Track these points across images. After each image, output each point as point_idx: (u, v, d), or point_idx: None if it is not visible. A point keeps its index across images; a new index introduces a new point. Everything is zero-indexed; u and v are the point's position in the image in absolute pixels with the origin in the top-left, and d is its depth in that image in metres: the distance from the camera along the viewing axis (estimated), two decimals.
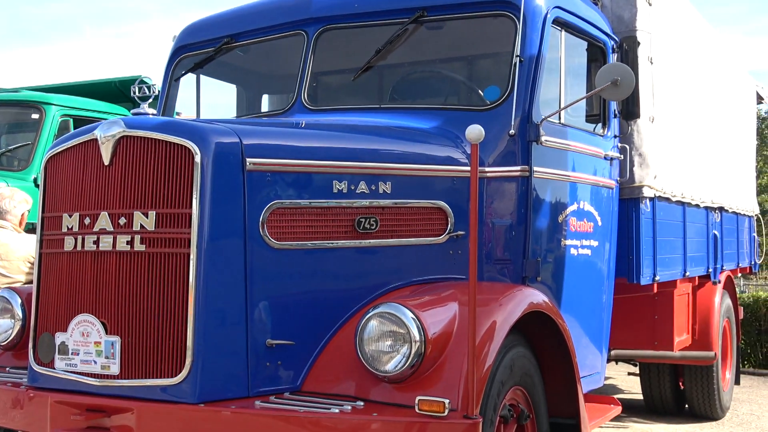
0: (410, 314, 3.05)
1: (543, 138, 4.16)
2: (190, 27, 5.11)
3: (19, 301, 3.81)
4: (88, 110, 7.07)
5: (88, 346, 3.17)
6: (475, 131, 2.99)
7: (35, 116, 6.92)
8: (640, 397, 7.83)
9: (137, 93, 3.48)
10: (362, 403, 3.02)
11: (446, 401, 2.83)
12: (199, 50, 4.99)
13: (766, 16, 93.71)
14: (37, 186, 6.58)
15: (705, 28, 7.06)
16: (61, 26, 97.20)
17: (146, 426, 3.03)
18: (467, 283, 2.98)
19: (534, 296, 3.69)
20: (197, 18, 5.18)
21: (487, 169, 3.99)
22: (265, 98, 5.59)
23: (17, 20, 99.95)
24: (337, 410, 2.93)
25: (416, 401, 2.86)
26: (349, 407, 2.96)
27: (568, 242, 4.48)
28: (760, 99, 9.74)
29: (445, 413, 2.82)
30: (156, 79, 5.12)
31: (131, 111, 3.51)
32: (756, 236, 9.40)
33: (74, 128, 6.79)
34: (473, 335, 2.88)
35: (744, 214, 8.57)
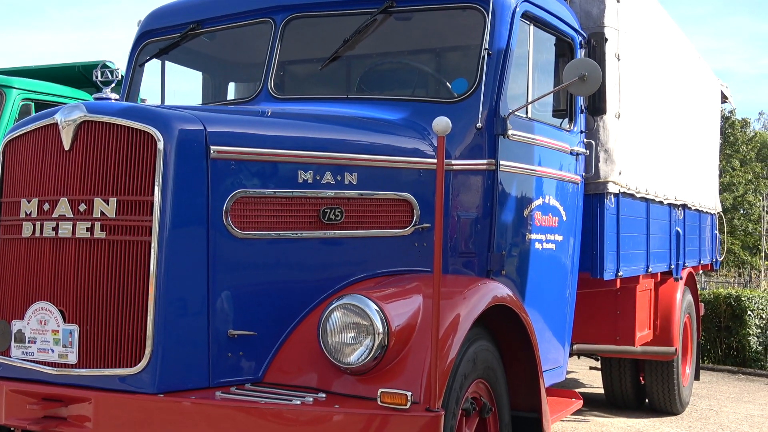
0: (374, 306, 3.05)
1: (510, 132, 4.17)
2: (156, 12, 5.04)
3: None
4: (50, 94, 6.98)
5: (45, 335, 3.14)
6: (441, 123, 2.98)
7: None
8: (602, 391, 7.92)
9: (100, 77, 3.43)
10: (324, 395, 3.02)
11: (408, 394, 2.84)
12: (165, 36, 4.93)
13: (732, 18, 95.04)
14: None
15: (672, 27, 7.12)
16: (22, 8, 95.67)
17: (103, 416, 3.00)
18: (432, 276, 2.97)
19: (498, 290, 3.71)
20: (164, 3, 5.12)
21: (453, 161, 3.99)
22: (231, 86, 5.55)
23: None
24: (298, 402, 2.92)
25: (378, 393, 2.87)
26: (311, 399, 2.96)
27: (533, 236, 4.50)
28: (724, 98, 9.87)
29: (408, 406, 2.83)
30: (120, 64, 5.06)
31: (93, 96, 3.46)
32: (718, 234, 9.52)
33: (35, 112, 6.71)
34: (437, 328, 2.88)
35: (706, 212, 8.68)
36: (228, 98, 5.40)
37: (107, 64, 3.49)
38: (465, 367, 3.32)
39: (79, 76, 7.66)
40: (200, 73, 5.46)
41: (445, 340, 3.11)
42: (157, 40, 4.97)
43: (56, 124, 3.19)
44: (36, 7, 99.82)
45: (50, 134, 3.22)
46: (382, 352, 3.02)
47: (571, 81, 4.00)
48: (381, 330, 3.01)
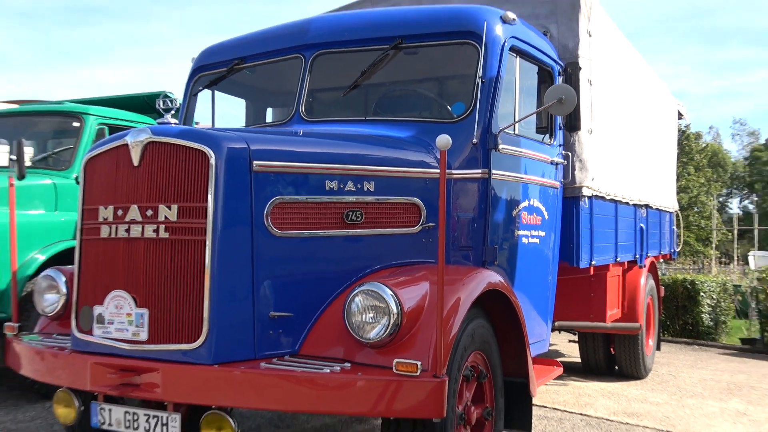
0: (389, 291, 3.07)
1: (500, 146, 4.18)
2: (207, 50, 5.08)
3: (63, 279, 3.80)
4: (120, 119, 7.02)
5: (121, 317, 3.18)
6: (443, 140, 3.01)
7: (76, 124, 6.86)
8: (579, 360, 7.90)
9: (161, 105, 3.47)
10: (349, 365, 3.05)
11: (418, 363, 2.87)
12: (214, 70, 4.97)
13: (687, 47, 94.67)
14: (77, 183, 6.55)
15: (635, 55, 7.10)
16: (96, 47, 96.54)
17: (169, 383, 3.04)
18: (436, 266, 3.00)
19: (492, 277, 3.72)
20: (212, 43, 5.16)
21: (453, 171, 3.99)
22: (269, 111, 5.57)
23: (57, 42, 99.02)
24: (328, 370, 2.95)
25: (394, 363, 2.90)
26: (338, 368, 2.99)
27: (521, 232, 4.50)
28: (680, 115, 9.82)
29: (418, 373, 2.86)
30: (177, 93, 5.09)
31: (156, 121, 3.49)
32: (675, 229, 9.48)
33: (109, 135, 6.77)
34: (441, 309, 2.91)
35: (666, 210, 8.64)
36: (266, 121, 5.43)
37: (167, 94, 3.52)
38: (465, 340, 3.34)
39: (144, 104, 7.70)
40: (243, 100, 5.48)
41: (448, 319, 3.14)
42: (207, 73, 5.01)
43: (127, 144, 3.23)
44: (107, 46, 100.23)
45: (122, 153, 3.26)
46: (396, 329, 3.04)
47: (551, 103, 3.99)
48: (395, 311, 3.04)
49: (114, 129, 6.82)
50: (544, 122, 4.88)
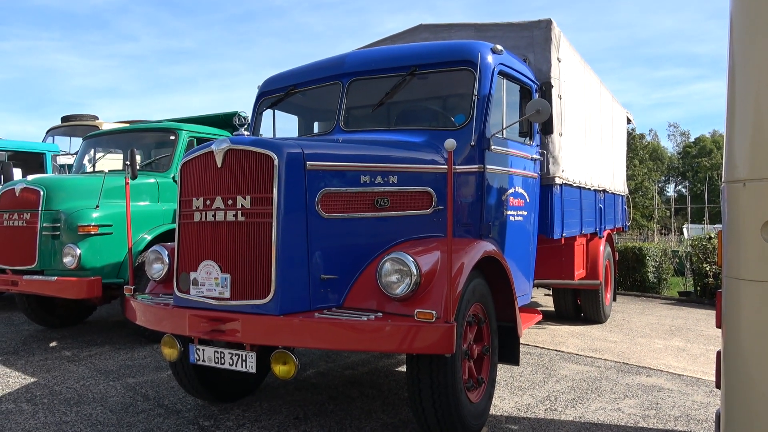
0: (411, 258, 3.08)
1: (492, 147, 4.15)
2: (268, 80, 5.08)
3: (166, 253, 3.85)
4: (204, 133, 7.07)
5: (210, 280, 3.21)
6: (450, 143, 2.99)
7: (172, 138, 6.93)
8: (552, 309, 7.87)
9: (237, 122, 3.49)
10: (381, 314, 3.06)
11: (434, 312, 2.88)
12: (274, 94, 4.97)
13: (632, 69, 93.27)
14: (174, 182, 6.63)
15: (593, 75, 6.99)
16: (184, 79, 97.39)
17: (247, 329, 3.07)
18: (445, 239, 2.98)
19: (487, 246, 3.70)
20: (271, 74, 5.17)
21: (457, 166, 3.98)
22: (315, 124, 5.59)
23: (156, 76, 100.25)
24: (365, 318, 2.97)
25: (415, 312, 2.91)
26: (373, 317, 3.00)
27: (508, 213, 4.48)
28: (629, 121, 9.67)
29: (433, 320, 2.87)
30: (247, 112, 5.10)
31: (233, 133, 3.50)
32: (626, 208, 9.37)
33: (197, 145, 6.83)
34: (450, 271, 2.91)
35: (619, 194, 8.54)
36: (314, 132, 5.44)
37: (240, 113, 3.55)
38: (468, 295, 3.34)
39: (221, 121, 7.74)
40: (296, 116, 5.50)
41: (455, 278, 3.13)
42: (269, 97, 5.01)
43: (212, 151, 3.25)
44: (193, 79, 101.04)
45: (209, 158, 3.28)
46: (417, 287, 3.05)
47: (531, 113, 3.96)
48: (415, 273, 3.04)
49: (200, 140, 6.89)
50: (525, 128, 4.84)
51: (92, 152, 7.47)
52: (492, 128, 4.17)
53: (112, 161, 7.43)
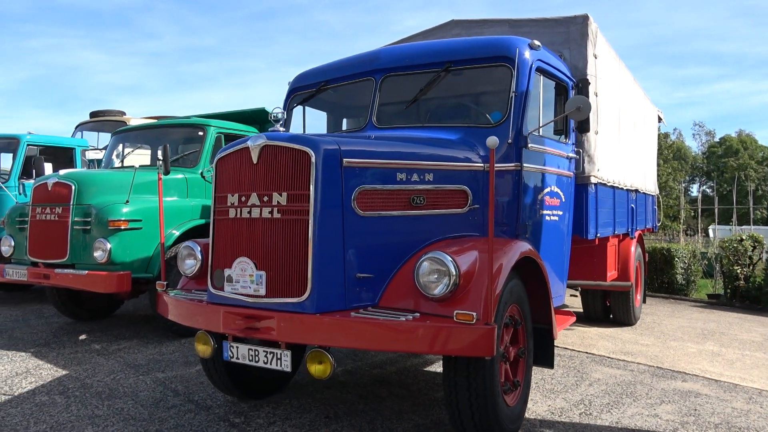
0: (449, 258, 3.01)
1: (529, 145, 4.05)
2: (299, 76, 5.04)
3: (199, 248, 3.84)
4: (232, 129, 7.08)
5: (245, 277, 3.18)
6: (492, 140, 2.91)
7: (200, 133, 6.94)
8: (580, 310, 7.74)
9: (272, 118, 3.45)
10: (418, 314, 2.99)
11: (474, 314, 2.80)
12: (305, 90, 4.93)
13: (655, 67, 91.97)
14: (203, 177, 6.64)
15: (627, 72, 6.84)
16: (206, 77, 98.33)
17: (282, 327, 3.03)
18: (483, 238, 2.91)
19: (524, 247, 3.61)
20: (293, 72, 5.16)
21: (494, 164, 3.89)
22: (344, 121, 5.53)
23: (179, 73, 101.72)
24: (402, 318, 2.91)
25: (454, 314, 2.83)
26: (411, 317, 2.94)
27: (544, 212, 4.38)
28: (660, 119, 9.49)
29: (473, 321, 2.79)
30: (280, 108, 5.05)
31: (269, 129, 3.46)
32: (656, 208, 9.20)
33: (225, 141, 6.83)
34: (490, 272, 2.83)
35: (649, 194, 8.38)
36: (343, 129, 5.38)
37: (275, 111, 3.49)
38: (506, 296, 3.27)
39: (247, 117, 7.76)
40: (325, 113, 5.45)
41: (494, 279, 3.05)
42: (300, 93, 4.97)
43: (248, 147, 3.21)
44: (214, 76, 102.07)
45: (245, 154, 3.24)
46: (455, 287, 2.98)
47: (572, 110, 3.87)
48: (454, 273, 2.97)
49: (228, 136, 6.89)
50: (560, 126, 4.73)
51: (121, 147, 7.52)
52: (529, 125, 4.08)
53: (140, 156, 7.47)
